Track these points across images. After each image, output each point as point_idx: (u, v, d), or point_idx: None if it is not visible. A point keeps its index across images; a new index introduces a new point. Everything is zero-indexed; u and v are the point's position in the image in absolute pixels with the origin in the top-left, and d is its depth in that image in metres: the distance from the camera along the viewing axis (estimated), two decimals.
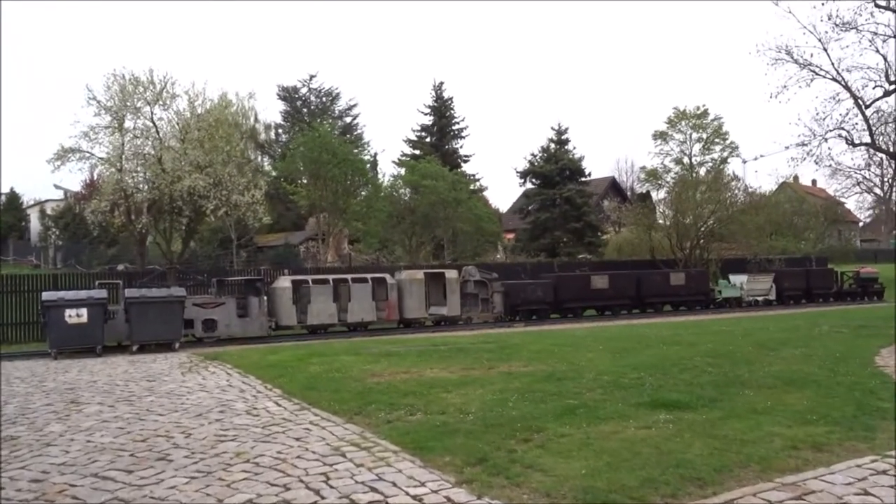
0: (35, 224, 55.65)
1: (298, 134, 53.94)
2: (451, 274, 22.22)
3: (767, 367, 9.95)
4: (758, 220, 31.88)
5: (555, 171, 35.20)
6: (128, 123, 21.94)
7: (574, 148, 37.64)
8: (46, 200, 57.56)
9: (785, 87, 34.22)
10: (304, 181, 27.38)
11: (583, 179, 37.50)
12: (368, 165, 27.43)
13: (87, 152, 21.90)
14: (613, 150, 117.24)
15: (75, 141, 21.71)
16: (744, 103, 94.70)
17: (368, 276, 21.24)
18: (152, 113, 21.66)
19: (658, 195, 43.43)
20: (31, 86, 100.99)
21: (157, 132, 21.62)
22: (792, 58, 34.18)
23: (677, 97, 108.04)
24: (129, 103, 21.46)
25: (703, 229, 31.60)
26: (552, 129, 38.21)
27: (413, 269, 23.38)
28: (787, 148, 32.57)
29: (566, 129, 37.84)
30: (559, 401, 8.06)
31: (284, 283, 19.94)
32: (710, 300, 27.49)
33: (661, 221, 33.39)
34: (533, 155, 37.59)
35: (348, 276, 21.03)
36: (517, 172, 37.92)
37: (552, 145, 37.49)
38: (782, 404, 7.56)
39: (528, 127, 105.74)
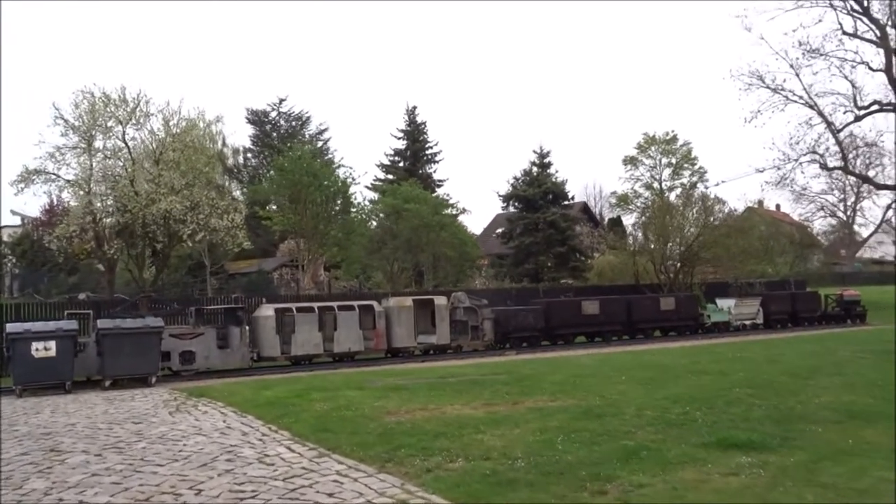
0: None
1: (269, 158, 52.98)
2: (440, 301, 21.31)
3: (817, 399, 9.26)
4: (742, 243, 31.67)
5: (538, 194, 34.70)
6: (97, 143, 20.71)
7: (556, 171, 37.42)
8: (3, 227, 55.26)
9: (759, 111, 34.25)
10: (279, 206, 26.29)
11: (566, 203, 37.07)
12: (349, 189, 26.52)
13: (53, 174, 20.59)
14: (582, 176, 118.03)
15: (40, 162, 20.39)
16: (715, 127, 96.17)
17: (355, 303, 20.21)
18: (124, 133, 20.49)
19: (630, 220, 43.36)
20: None
21: (130, 153, 20.41)
22: (764, 83, 34.31)
23: (645, 123, 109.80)
24: (99, 122, 20.25)
25: (687, 253, 31.25)
26: (534, 152, 37.96)
27: (400, 295, 22.41)
28: (761, 171, 32.30)
29: (548, 151, 37.57)
30: (612, 442, 7.23)
31: (267, 311, 18.79)
32: (699, 325, 26.99)
33: (647, 246, 32.97)
34: (515, 178, 37.17)
35: (334, 304, 19.96)
36: (499, 196, 37.48)
37: (534, 168, 37.06)
38: (865, 442, 6.83)
39: (499, 151, 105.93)
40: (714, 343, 21.62)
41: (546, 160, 37.59)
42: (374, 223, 29.35)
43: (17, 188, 20.19)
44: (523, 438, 7.51)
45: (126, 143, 20.45)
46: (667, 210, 33.08)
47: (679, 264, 32.27)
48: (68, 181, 20.65)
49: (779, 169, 34.19)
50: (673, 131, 46.94)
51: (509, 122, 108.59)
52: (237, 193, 47.88)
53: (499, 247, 45.51)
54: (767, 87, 33.95)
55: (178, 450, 7.70)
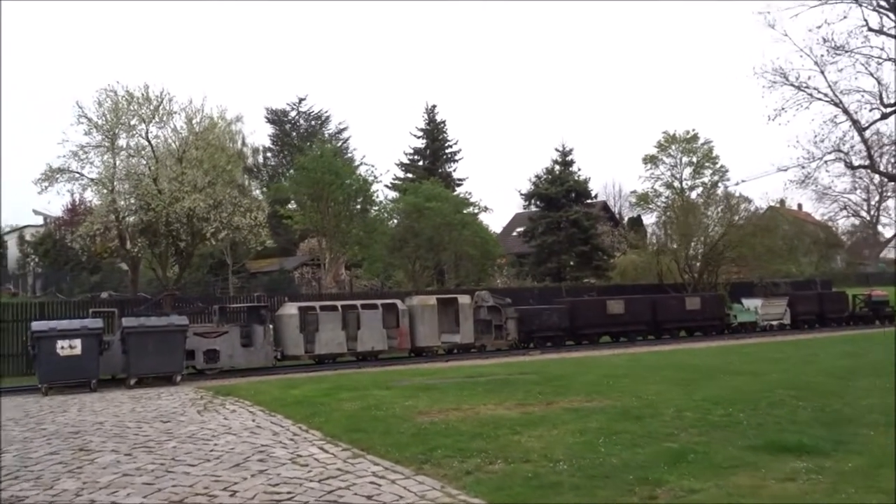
0: (13, 251, 53.74)
1: (288, 157, 53.04)
2: (464, 300, 21.11)
3: (861, 401, 8.95)
4: (768, 242, 31.18)
5: (560, 192, 34.33)
6: (120, 142, 20.72)
7: (579, 169, 37.01)
8: (25, 226, 55.72)
9: (783, 109, 33.63)
10: (300, 204, 26.14)
11: (588, 201, 36.67)
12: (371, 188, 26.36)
13: (77, 172, 20.62)
14: (601, 174, 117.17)
15: (64, 161, 20.44)
16: (736, 126, 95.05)
17: (379, 302, 20.06)
18: (147, 131, 20.49)
19: (650, 219, 42.92)
20: (9, 106, 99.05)
21: (153, 151, 20.39)
22: (787, 81, 33.68)
23: (665, 121, 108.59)
24: (122, 120, 20.26)
25: (711, 252, 30.82)
26: (556, 150, 37.58)
27: (423, 294, 22.23)
28: (783, 169, 31.67)
29: (571, 149, 37.17)
30: (655, 444, 6.98)
31: (291, 310, 18.68)
32: (724, 325, 26.61)
33: (670, 245, 32.56)
34: (537, 177, 36.78)
35: (357, 303, 19.82)
36: (521, 194, 37.15)
37: (556, 166, 36.70)
38: None
39: (518, 150, 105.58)
40: (742, 343, 21.24)
41: (568, 158, 37.28)
42: (395, 222, 29.17)
43: (40, 186, 20.26)
44: (562, 440, 7.28)
45: (149, 142, 20.46)
46: (690, 209, 32.62)
47: (703, 264, 31.82)
48: (92, 179, 20.68)
49: (803, 168, 33.60)
50: (694, 130, 46.43)
51: (527, 121, 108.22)
52: (257, 193, 47.99)
53: (519, 245, 45.21)
54: (791, 85, 33.33)
55: (208, 449, 7.55)
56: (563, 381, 11.59)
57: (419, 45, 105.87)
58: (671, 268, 32.15)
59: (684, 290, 30.30)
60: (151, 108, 20.26)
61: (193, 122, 20.59)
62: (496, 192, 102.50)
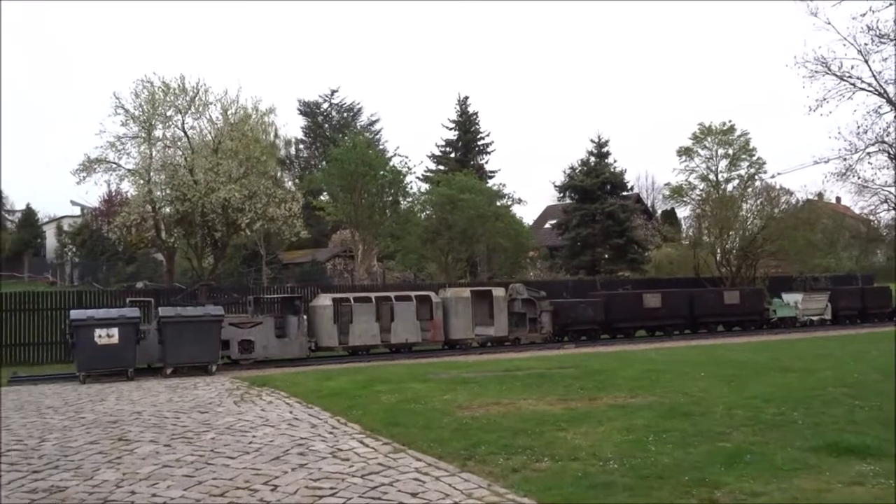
0: (51, 241, 54.71)
1: (320, 149, 53.14)
2: (498, 292, 20.87)
3: None
4: (809, 235, 30.40)
5: (596, 184, 33.83)
6: (157, 133, 20.81)
7: (615, 161, 36.44)
8: (63, 217, 56.68)
9: (824, 100, 32.67)
10: (333, 195, 26.04)
11: (624, 193, 36.11)
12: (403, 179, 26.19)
13: (114, 163, 20.76)
14: (633, 167, 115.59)
15: (101, 151, 20.59)
16: (775, 117, 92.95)
17: (412, 294, 19.90)
18: (183, 121, 20.55)
19: (683, 212, 42.20)
20: (46, 99, 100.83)
21: (189, 142, 20.44)
22: (830, 70, 32.70)
23: (700, 112, 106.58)
24: (159, 111, 20.33)
25: (750, 246, 30.14)
26: (592, 141, 37.01)
27: (457, 286, 22.03)
28: (822, 161, 30.69)
29: (606, 140, 36.58)
30: (708, 443, 6.72)
31: (325, 301, 18.62)
32: (764, 320, 26.01)
33: (708, 238, 31.92)
34: (572, 168, 36.30)
35: (391, 294, 19.69)
36: (555, 186, 36.69)
37: (592, 158, 36.18)
38: None
39: (548, 143, 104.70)
40: (784, 339, 20.73)
41: (604, 149, 36.69)
42: (426, 214, 28.95)
43: (79, 177, 20.44)
44: (610, 438, 7.04)
45: (185, 132, 20.52)
46: (728, 201, 31.94)
47: (741, 257, 31.13)
48: (129, 170, 20.81)
49: (844, 160, 32.68)
50: (730, 121, 45.52)
51: (557, 113, 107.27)
52: (289, 185, 48.18)
53: (551, 238, 44.74)
54: (833, 75, 32.36)
55: (247, 441, 7.45)
56: (603, 376, 11.32)
57: (451, 37, 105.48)
58: (708, 261, 31.53)
59: (721, 284, 29.69)
60: (187, 99, 20.33)
61: (228, 112, 20.60)
62: (527, 185, 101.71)
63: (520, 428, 7.56)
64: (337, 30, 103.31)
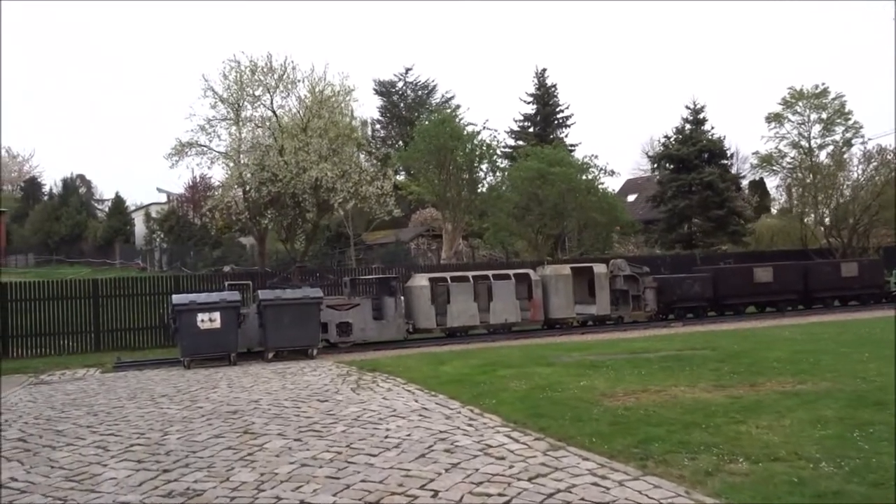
0: (140, 228, 56.29)
1: (396, 129, 52.66)
2: (599, 269, 19.80)
3: None
4: None
5: (693, 153, 32.04)
6: (245, 113, 20.52)
7: (712, 128, 34.38)
8: (150, 204, 58.23)
9: None
10: (422, 172, 25.30)
11: (724, 162, 34.14)
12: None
13: (205, 146, 20.59)
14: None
15: (192, 135, 20.46)
16: (871, 78, 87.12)
17: (511, 272, 19.06)
18: (272, 100, 20.17)
19: (773, 182, 39.88)
20: (130, 93, 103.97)
21: (278, 121, 20.06)
22: None
23: (786, 77, 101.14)
24: (247, 91, 20.01)
25: (865, 214, 28.03)
26: (687, 107, 34.98)
27: (555, 263, 21.07)
28: None
29: (702, 106, 34.45)
30: None
31: (422, 281, 17.98)
32: (883, 294, 24.06)
33: (816, 207, 29.86)
34: (666, 137, 34.56)
35: (489, 273, 18.90)
36: (648, 157, 35.01)
37: (687, 126, 34.32)
38: None
39: (628, 114, 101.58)
40: None
41: (700, 115, 34.69)
42: (507, 188, 27.83)
43: (171, 161, 20.38)
44: (804, 432, 6.05)
45: (274, 112, 20.14)
46: (839, 166, 29.77)
47: (852, 227, 29.01)
48: (219, 153, 20.61)
49: None
50: (823, 84, 42.64)
51: (635, 86, 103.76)
52: (367, 165, 47.95)
53: (634, 212, 43.03)
54: None
55: (382, 435, 6.78)
56: (748, 358, 10.24)
57: (527, 7, 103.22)
58: (815, 232, 29.54)
59: (830, 255, 27.75)
60: (275, 77, 19.92)
61: (316, 90, 20.08)
62: (606, 159, 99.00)
63: (688, 420, 6.64)
64: (407, 8, 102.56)
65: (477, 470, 5.51)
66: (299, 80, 20.02)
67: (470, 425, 7.08)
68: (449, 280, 18.18)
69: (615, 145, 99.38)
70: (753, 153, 38.58)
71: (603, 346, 13.08)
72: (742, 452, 5.55)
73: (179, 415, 8.35)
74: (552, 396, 8.10)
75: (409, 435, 6.76)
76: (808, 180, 33.96)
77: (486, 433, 6.71)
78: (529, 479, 5.21)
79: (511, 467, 5.55)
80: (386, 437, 6.73)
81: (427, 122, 25.71)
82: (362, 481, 5.34)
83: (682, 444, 5.86)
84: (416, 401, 8.53)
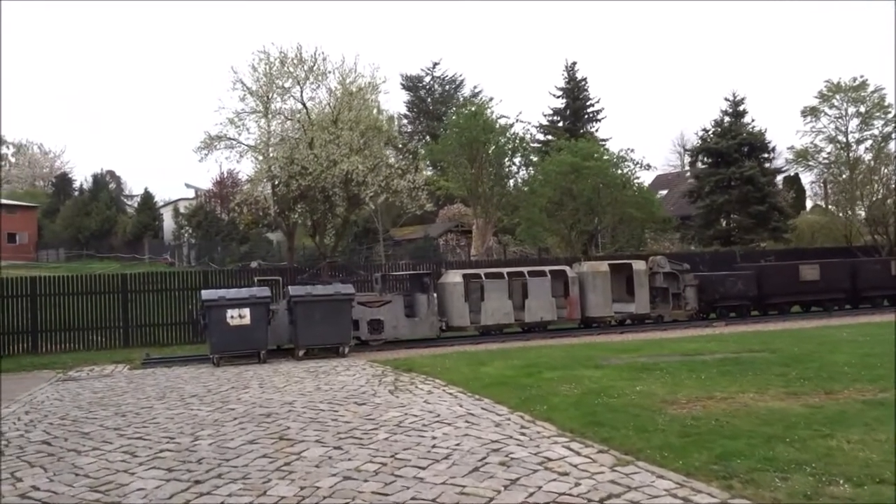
0: (168, 223, 56.47)
1: (424, 124, 52.10)
2: (638, 266, 19.09)
3: None
4: None
5: (732, 147, 31.03)
6: (275, 106, 20.09)
7: (752, 120, 33.30)
8: (178, 199, 58.40)
9: None
10: (454, 166, 24.67)
11: (765, 156, 33.06)
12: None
13: (234, 139, 20.21)
14: None
15: (221, 128, 20.09)
16: None
17: (546, 268, 18.44)
18: (302, 92, 19.71)
19: (808, 177, 38.73)
20: (160, 88, 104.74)
21: (307, 113, 19.61)
22: None
23: (822, 70, 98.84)
24: (277, 83, 19.58)
25: None
26: (726, 100, 33.90)
27: (592, 260, 20.41)
28: None
29: (742, 98, 33.38)
30: None
31: (455, 277, 17.42)
32: None
33: (861, 202, 28.80)
34: (704, 130, 33.49)
35: (524, 270, 18.31)
36: (685, 151, 34.13)
37: (726, 118, 33.30)
38: None
39: (658, 109, 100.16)
40: None
41: (740, 108, 33.62)
42: (539, 182, 27.09)
43: (200, 154, 20.04)
44: None
45: (304, 104, 19.69)
46: (885, 160, 28.68)
47: None
48: (248, 146, 20.22)
49: None
50: (862, 76, 41.29)
51: (664, 81, 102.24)
52: (392, 160, 47.51)
53: (666, 208, 42.04)
54: None
55: (429, 444, 6.25)
56: (812, 362, 9.55)
57: (555, 1, 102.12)
58: (860, 229, 28.49)
59: (876, 252, 26.74)
60: (305, 68, 19.46)
61: (347, 81, 19.59)
62: (638, 153, 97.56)
63: (767, 432, 6.02)
64: (434, 1, 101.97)
65: (540, 488, 4.95)
66: (329, 72, 19.55)
67: (523, 434, 6.52)
68: (483, 276, 17.61)
69: (645, 141, 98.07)
70: (788, 148, 37.57)
71: (650, 347, 12.43)
72: (840, 472, 4.93)
73: (210, 417, 7.89)
74: (608, 403, 7.51)
75: (458, 444, 6.22)
76: (844, 176, 32.91)
77: (542, 444, 6.15)
78: (601, 501, 4.64)
79: (577, 485, 4.99)
80: (433, 446, 6.20)
81: (458, 115, 25.11)
82: (413, 499, 4.82)
83: (768, 461, 5.25)
84: (461, 405, 7.99)
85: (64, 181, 67.94)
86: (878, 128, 41.79)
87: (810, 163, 40.07)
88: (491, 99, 49.37)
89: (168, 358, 14.96)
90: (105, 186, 64.14)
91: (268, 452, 6.20)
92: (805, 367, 9.15)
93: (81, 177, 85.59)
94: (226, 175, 48.31)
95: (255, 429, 7.17)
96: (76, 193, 63.83)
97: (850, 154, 37.58)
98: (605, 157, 26.00)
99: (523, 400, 7.94)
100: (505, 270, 18.23)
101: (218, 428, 7.29)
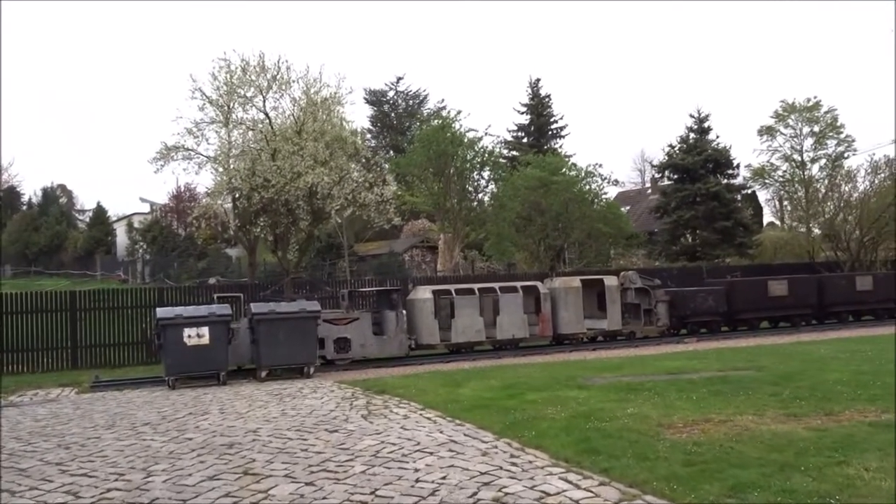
0: (122, 238, 54.68)
1: (387, 138, 51.62)
2: (610, 281, 18.79)
3: None
4: None
5: (698, 163, 31.19)
6: (236, 115, 19.31)
7: (717, 137, 33.58)
8: (133, 214, 56.67)
9: None
10: (422, 180, 24.15)
11: (730, 172, 33.30)
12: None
13: (192, 150, 19.34)
14: None
15: (178, 138, 19.20)
16: (864, 92, 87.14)
17: (518, 284, 17.99)
18: (264, 102, 19.00)
19: (764, 195, 39.37)
20: (114, 99, 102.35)
21: (271, 123, 18.90)
22: None
23: (777, 90, 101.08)
24: (238, 92, 18.83)
25: (875, 225, 27.32)
26: (691, 116, 34.26)
27: (563, 276, 20.04)
28: None
29: (707, 115, 33.73)
30: None
31: (424, 293, 16.85)
32: None
33: (826, 219, 29.11)
34: (671, 146, 33.66)
35: (496, 285, 17.83)
36: (652, 167, 34.19)
37: (691, 135, 33.49)
38: None
39: (620, 126, 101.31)
40: None
41: (705, 124, 33.89)
42: (507, 198, 26.81)
43: (156, 165, 19.13)
44: None
45: (266, 114, 18.97)
46: (847, 179, 29.12)
47: (859, 240, 28.30)
48: (207, 157, 19.38)
49: None
50: (815, 97, 42.30)
51: (626, 97, 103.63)
52: (355, 175, 46.80)
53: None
54: None
55: (412, 478, 5.65)
56: (802, 380, 9.22)
57: (519, 17, 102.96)
58: (822, 245, 28.81)
59: (838, 268, 27.01)
60: (268, 77, 18.76)
61: (311, 91, 18.95)
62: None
63: (778, 460, 5.58)
64: (397, 16, 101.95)
65: None
66: (293, 81, 18.87)
67: (514, 464, 5.97)
68: (453, 293, 17.09)
69: (605, 157, 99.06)
70: (746, 166, 38.14)
71: (630, 366, 12.01)
72: None
73: (165, 448, 7.17)
74: (601, 427, 7.01)
75: (444, 478, 5.64)
76: (800, 193, 33.39)
77: (536, 475, 5.60)
78: None
79: None
80: (417, 479, 5.61)
81: (426, 127, 24.64)
82: None
83: (788, 494, 4.80)
84: (441, 431, 7.41)
85: (11, 195, 65.46)
86: (831, 147, 42.68)
87: (766, 180, 40.62)
88: (459, 112, 49.14)
89: (119, 380, 14.04)
90: (55, 200, 62.03)
91: (231, 490, 5.54)
92: (796, 385, 8.80)
93: (31, 190, 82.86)
94: (183, 189, 47.07)
95: (215, 461, 6.48)
96: (24, 208, 61.59)
97: (805, 172, 38.20)
98: (573, 173, 25.80)
99: (508, 425, 7.40)
100: (476, 286, 17.73)
101: (174, 461, 6.58)
